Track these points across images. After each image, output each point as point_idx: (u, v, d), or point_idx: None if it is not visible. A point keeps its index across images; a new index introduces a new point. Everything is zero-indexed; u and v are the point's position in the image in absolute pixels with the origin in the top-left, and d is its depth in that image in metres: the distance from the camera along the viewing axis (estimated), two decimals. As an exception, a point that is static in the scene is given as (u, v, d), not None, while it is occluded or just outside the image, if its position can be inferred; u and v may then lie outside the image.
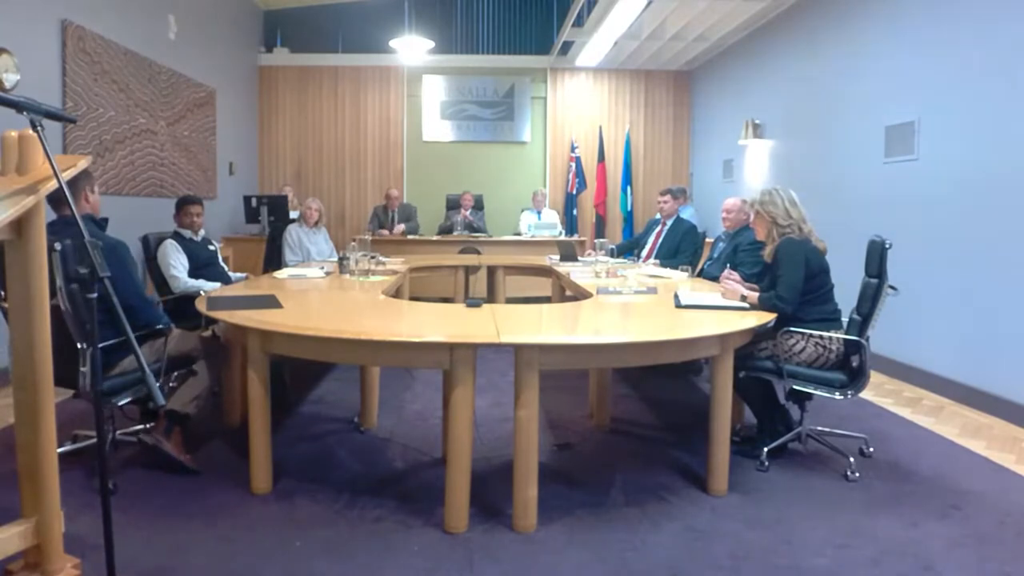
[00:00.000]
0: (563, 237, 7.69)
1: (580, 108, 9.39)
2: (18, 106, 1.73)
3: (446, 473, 2.53)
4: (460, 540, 2.44)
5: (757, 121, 7.27)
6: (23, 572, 1.93)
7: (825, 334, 3.14)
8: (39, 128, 1.78)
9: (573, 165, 9.23)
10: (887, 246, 3.10)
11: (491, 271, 6.32)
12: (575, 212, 9.27)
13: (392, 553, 2.35)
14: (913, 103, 4.75)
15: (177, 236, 4.16)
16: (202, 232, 4.35)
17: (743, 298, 3.28)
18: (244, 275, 4.58)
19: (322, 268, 4.72)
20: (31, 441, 1.89)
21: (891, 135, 4.96)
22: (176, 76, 6.60)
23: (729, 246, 4.65)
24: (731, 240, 4.68)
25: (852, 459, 3.09)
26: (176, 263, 4.03)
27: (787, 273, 3.13)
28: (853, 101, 5.50)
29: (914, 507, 2.75)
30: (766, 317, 3.05)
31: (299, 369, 4.47)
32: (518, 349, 2.48)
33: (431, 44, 7.59)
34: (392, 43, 7.60)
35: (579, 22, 7.67)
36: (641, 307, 3.31)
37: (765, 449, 3.15)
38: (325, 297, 3.69)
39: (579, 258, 5.69)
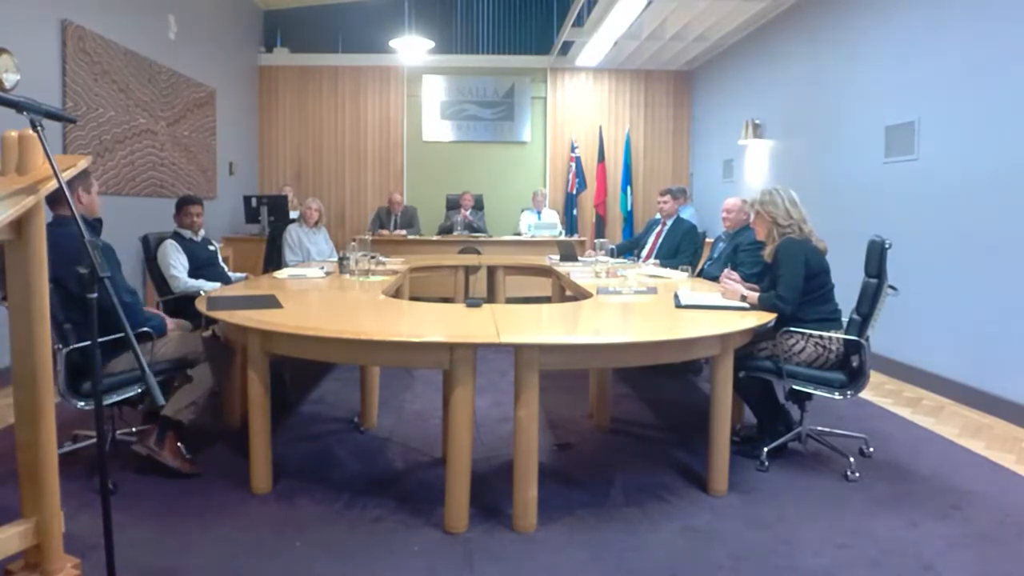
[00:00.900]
0: (563, 237, 7.69)
1: (580, 108, 9.39)
2: (18, 106, 1.73)
3: (446, 473, 2.53)
4: (460, 540, 2.44)
5: (757, 121, 7.27)
6: (23, 572, 1.93)
7: (825, 334, 3.14)
8: (39, 128, 1.78)
9: (573, 165, 9.23)
10: (887, 246, 3.10)
11: (491, 271, 6.33)
12: (575, 212, 9.27)
13: (392, 553, 2.35)
14: (913, 103, 4.75)
15: (177, 236, 4.16)
16: (202, 232, 4.35)
17: (743, 298, 3.28)
18: (244, 275, 4.58)
19: (322, 268, 4.72)
20: (31, 441, 1.89)
21: (891, 135, 4.97)
22: (176, 76, 6.60)
23: (729, 246, 4.65)
24: (731, 240, 4.68)
25: (852, 459, 3.09)
26: (176, 263, 4.03)
27: (787, 273, 3.13)
28: (853, 101, 5.50)
29: (914, 507, 2.75)
30: (766, 317, 3.05)
31: (299, 369, 4.47)
32: (518, 349, 2.48)
33: (431, 44, 7.59)
34: (392, 43, 7.60)
35: (579, 22, 7.67)
36: (641, 307, 3.31)
37: (765, 449, 3.15)
38: (325, 297, 3.69)
39: (579, 258, 5.68)
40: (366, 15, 9.20)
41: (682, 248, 5.47)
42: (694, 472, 3.06)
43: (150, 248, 4.12)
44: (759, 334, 3.14)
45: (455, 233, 7.93)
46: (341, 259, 4.57)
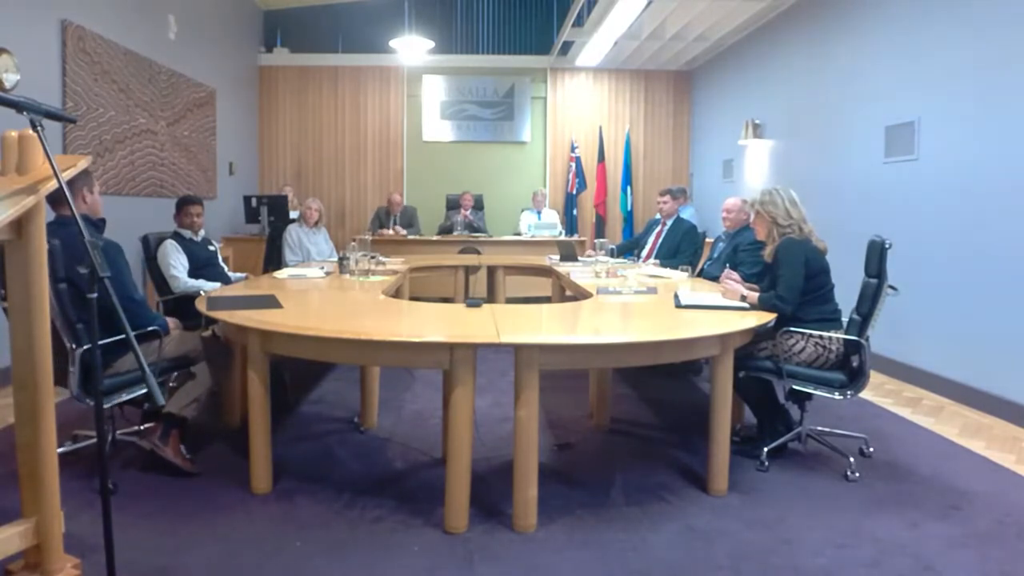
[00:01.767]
0: (563, 237, 7.69)
1: (580, 108, 9.39)
2: (18, 106, 1.73)
3: (446, 473, 2.53)
4: (460, 540, 2.44)
5: (757, 121, 7.27)
6: (23, 572, 1.93)
7: (825, 334, 3.14)
8: (39, 128, 1.78)
9: (573, 165, 9.23)
10: (887, 246, 3.10)
11: (491, 271, 6.33)
12: (575, 212, 9.27)
13: (392, 553, 2.35)
14: (913, 103, 4.75)
15: (177, 236, 4.17)
16: (202, 232, 4.35)
17: (743, 298, 3.28)
18: (244, 275, 4.58)
19: (322, 268, 4.72)
20: (31, 441, 1.89)
21: (891, 135, 4.97)
22: (176, 76, 6.59)
23: (729, 246, 4.65)
24: (731, 240, 4.68)
25: (852, 459, 3.09)
26: (176, 263, 4.03)
27: (787, 273, 3.13)
28: (853, 101, 5.50)
29: (914, 507, 2.75)
30: (766, 317, 3.05)
31: (299, 369, 4.46)
32: (518, 349, 2.48)
33: (431, 44, 7.59)
34: (392, 43, 7.60)
35: (579, 22, 7.67)
36: (641, 307, 3.31)
37: (765, 449, 3.15)
38: (325, 297, 3.69)
39: (579, 258, 5.69)
40: (366, 15, 9.20)
41: (682, 248, 5.47)
42: (694, 472, 3.06)
43: (150, 248, 4.13)
44: (759, 334, 3.14)
45: (455, 233, 7.93)
46: (341, 259, 4.57)
